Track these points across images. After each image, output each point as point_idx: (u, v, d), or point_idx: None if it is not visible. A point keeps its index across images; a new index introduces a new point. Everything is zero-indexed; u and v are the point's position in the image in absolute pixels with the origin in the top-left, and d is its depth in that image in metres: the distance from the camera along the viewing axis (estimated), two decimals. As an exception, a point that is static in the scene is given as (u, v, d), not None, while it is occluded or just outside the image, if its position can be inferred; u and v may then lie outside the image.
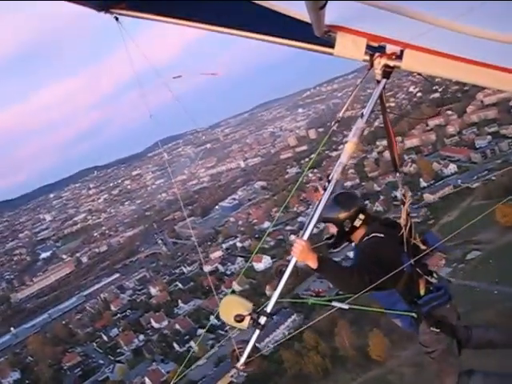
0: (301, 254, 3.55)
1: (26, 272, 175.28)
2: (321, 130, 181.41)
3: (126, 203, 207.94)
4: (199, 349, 66.37)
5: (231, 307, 3.79)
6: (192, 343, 68.13)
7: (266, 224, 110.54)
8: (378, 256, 3.81)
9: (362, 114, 3.47)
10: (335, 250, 4.44)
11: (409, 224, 3.90)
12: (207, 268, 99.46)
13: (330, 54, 2.94)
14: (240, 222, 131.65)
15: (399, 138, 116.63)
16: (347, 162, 3.53)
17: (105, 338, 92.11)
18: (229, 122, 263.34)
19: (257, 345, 3.83)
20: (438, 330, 4.03)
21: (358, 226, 4.25)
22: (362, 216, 4.25)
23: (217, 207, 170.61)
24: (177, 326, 78.70)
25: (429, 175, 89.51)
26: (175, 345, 73.30)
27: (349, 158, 3.51)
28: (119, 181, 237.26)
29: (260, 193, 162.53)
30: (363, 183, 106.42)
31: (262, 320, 3.67)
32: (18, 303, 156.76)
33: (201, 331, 72.71)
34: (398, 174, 3.99)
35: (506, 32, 2.01)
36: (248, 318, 3.67)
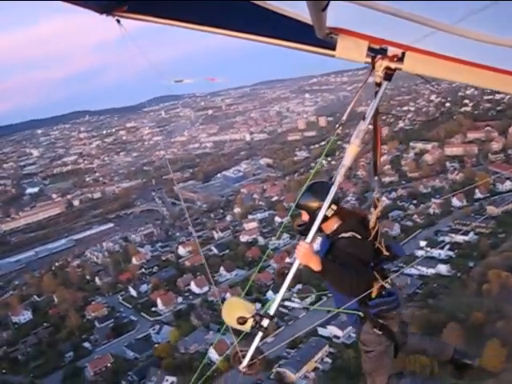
0: (304, 257, 3.46)
1: (11, 205, 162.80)
2: (330, 118, 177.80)
3: (122, 154, 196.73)
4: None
5: (234, 309, 3.66)
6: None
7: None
8: (360, 257, 3.75)
9: (364, 116, 3.36)
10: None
11: (376, 228, 3.85)
12: (244, 238, 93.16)
13: (332, 56, 2.88)
14: (255, 196, 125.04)
15: (435, 144, 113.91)
16: (350, 164, 3.46)
17: (133, 292, 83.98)
18: (229, 93, 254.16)
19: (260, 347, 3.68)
20: (380, 333, 3.97)
21: (329, 215, 3.92)
22: (334, 206, 3.90)
23: (219, 175, 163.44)
24: (228, 296, 71.56)
25: (485, 187, 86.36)
26: (232, 315, 66.21)
27: (352, 161, 3.44)
28: (113, 130, 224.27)
29: (265, 170, 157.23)
30: (403, 181, 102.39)
31: (265, 322, 3.56)
32: (1, 235, 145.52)
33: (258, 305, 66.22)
34: (375, 178, 3.85)
35: (505, 36, 2.02)
36: (251, 321, 3.56)
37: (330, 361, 54.77)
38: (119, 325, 75.63)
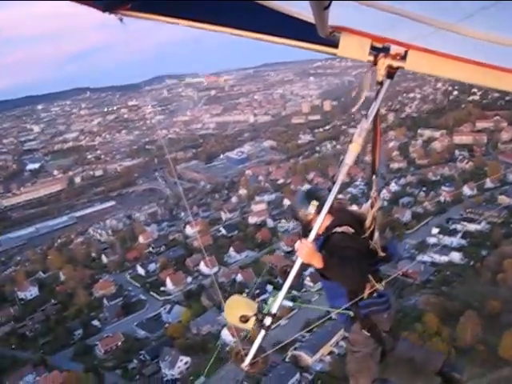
0: (306, 256, 3.47)
1: (12, 180, 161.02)
2: (335, 103, 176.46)
3: (123, 132, 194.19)
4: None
5: (236, 307, 3.69)
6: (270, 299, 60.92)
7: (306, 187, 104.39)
8: (355, 249, 3.72)
9: (367, 114, 3.30)
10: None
11: (372, 228, 3.78)
12: (253, 219, 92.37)
13: (334, 54, 2.88)
14: (260, 178, 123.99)
15: (444, 131, 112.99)
16: (352, 163, 3.37)
17: (140, 271, 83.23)
18: (231, 74, 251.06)
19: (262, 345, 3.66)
20: (368, 334, 3.93)
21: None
22: (315, 202, 3.96)
23: (222, 156, 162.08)
24: (239, 277, 71.06)
25: (496, 177, 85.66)
26: (244, 297, 65.56)
27: (354, 159, 3.34)
28: (114, 107, 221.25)
29: (269, 152, 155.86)
30: (412, 168, 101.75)
31: (268, 321, 3.58)
32: (2, 210, 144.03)
33: (270, 287, 65.72)
34: (374, 177, 3.70)
35: (507, 35, 2.04)
36: (253, 319, 3.59)
37: (345, 345, 54.45)
38: (128, 303, 74.86)
